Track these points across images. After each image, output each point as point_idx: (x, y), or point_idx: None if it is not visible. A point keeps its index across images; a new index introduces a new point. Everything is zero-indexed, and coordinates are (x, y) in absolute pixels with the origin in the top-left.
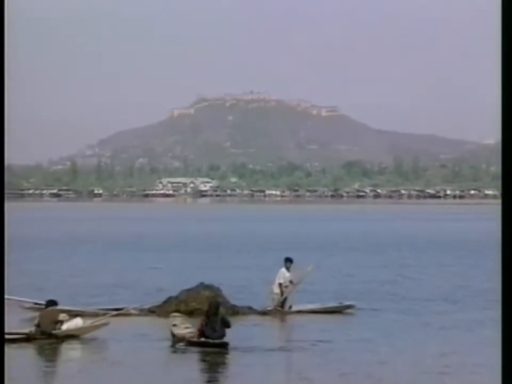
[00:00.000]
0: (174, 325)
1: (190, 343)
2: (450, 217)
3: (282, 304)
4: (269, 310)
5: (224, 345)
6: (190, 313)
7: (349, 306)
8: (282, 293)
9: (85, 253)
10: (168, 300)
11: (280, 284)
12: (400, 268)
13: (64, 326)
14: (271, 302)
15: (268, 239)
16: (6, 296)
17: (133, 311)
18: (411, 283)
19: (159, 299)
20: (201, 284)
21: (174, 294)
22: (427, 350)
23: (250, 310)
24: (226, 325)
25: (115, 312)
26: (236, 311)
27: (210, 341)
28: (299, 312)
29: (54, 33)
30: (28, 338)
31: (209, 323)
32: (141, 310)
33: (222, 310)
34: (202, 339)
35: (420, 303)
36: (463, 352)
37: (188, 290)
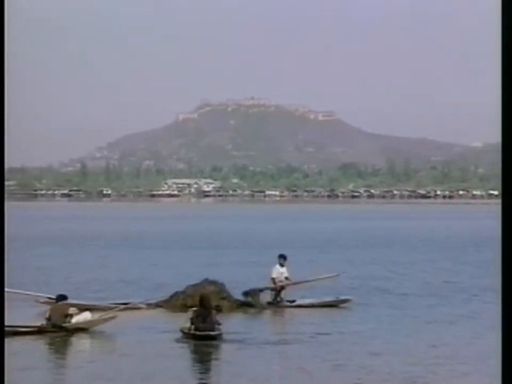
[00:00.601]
0: (192, 318)
1: (185, 335)
2: (440, 216)
3: (276, 298)
4: (270, 304)
5: (214, 337)
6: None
7: (345, 301)
8: (276, 287)
9: (91, 250)
10: (175, 295)
11: (273, 279)
12: (391, 264)
13: (74, 320)
14: (269, 296)
15: (266, 237)
16: (22, 291)
17: (141, 305)
18: (401, 279)
19: (159, 294)
20: (206, 279)
21: (173, 289)
22: (416, 343)
23: (253, 304)
24: (214, 310)
25: (123, 306)
26: (240, 305)
27: (197, 333)
28: (299, 306)
29: (59, 37)
30: (39, 331)
31: (199, 316)
32: (149, 304)
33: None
34: (193, 331)
35: (409, 298)
36: (451, 344)
37: (194, 285)
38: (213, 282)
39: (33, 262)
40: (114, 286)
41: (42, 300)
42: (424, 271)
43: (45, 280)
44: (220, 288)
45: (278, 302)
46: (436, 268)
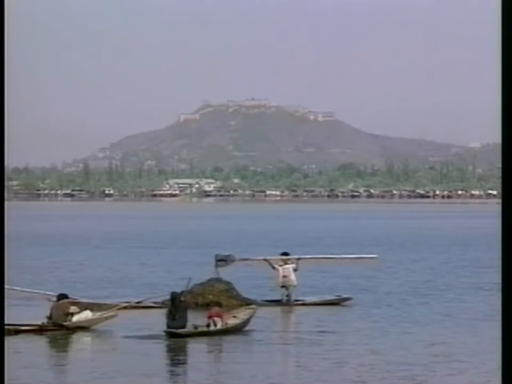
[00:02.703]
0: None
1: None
2: (438, 215)
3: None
4: (277, 302)
5: (181, 335)
6: (206, 305)
7: (346, 299)
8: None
9: (86, 249)
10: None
11: (270, 262)
12: (378, 263)
13: (75, 318)
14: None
15: (261, 236)
16: (33, 290)
17: (147, 303)
18: (385, 277)
19: (152, 293)
20: (212, 278)
21: (156, 288)
22: (402, 340)
23: (260, 302)
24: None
25: (124, 304)
26: (248, 303)
27: (167, 330)
28: (303, 304)
29: (61, 37)
30: (40, 329)
31: (170, 314)
32: (155, 302)
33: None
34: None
35: (390, 296)
36: (447, 342)
37: (201, 284)
38: (221, 281)
39: (25, 261)
40: (98, 284)
41: (53, 299)
42: (409, 269)
43: (31, 279)
44: (228, 287)
45: (287, 300)
46: (421, 266)
